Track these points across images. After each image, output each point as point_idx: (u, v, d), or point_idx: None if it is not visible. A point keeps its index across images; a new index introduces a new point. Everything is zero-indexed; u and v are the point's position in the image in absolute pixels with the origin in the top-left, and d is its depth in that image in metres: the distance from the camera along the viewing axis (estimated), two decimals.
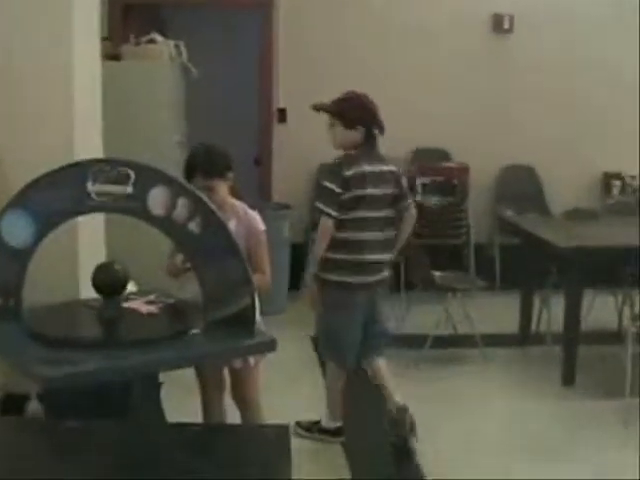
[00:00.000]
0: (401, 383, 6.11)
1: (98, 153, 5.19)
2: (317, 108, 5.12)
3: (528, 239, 6.85)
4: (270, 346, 3.75)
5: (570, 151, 9.05)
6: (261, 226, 4.42)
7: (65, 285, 4.51)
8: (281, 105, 8.85)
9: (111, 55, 6.11)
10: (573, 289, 6.23)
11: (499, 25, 8.91)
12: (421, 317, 7.03)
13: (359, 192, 4.93)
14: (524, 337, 7.14)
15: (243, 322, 3.66)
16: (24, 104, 4.65)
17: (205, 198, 3.68)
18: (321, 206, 4.91)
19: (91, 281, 3.79)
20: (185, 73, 6.79)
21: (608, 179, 9.18)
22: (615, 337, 6.94)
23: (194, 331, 3.69)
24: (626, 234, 6.60)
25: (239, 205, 4.44)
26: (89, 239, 4.81)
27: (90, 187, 3.65)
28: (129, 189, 3.63)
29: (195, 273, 3.69)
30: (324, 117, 8.71)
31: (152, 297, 4.16)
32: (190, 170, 4.31)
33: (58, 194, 3.68)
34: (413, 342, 6.84)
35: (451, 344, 6.96)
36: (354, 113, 5.01)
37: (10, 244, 3.75)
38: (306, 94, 8.73)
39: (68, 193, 3.67)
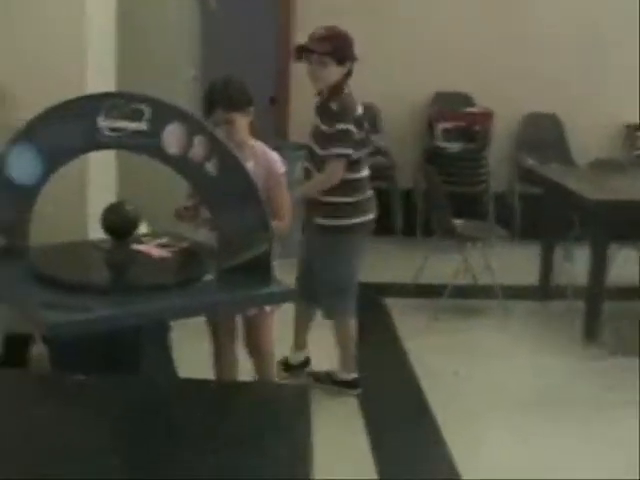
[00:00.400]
0: (420, 333, 6.00)
1: (110, 86, 4.97)
2: (307, 49, 4.84)
3: (552, 189, 6.64)
4: (287, 296, 3.58)
5: (594, 100, 8.73)
6: (281, 168, 4.21)
7: (73, 225, 4.29)
8: (300, 42, 8.54)
9: None
10: (599, 242, 6.00)
11: None
12: (439, 266, 6.78)
13: (364, 130, 4.84)
14: (544, 290, 6.92)
15: (259, 270, 3.47)
16: (31, 34, 4.40)
17: (223, 137, 3.47)
18: (341, 150, 4.69)
19: (100, 222, 3.59)
20: (202, 5, 6.52)
21: (632, 131, 8.91)
22: (638, 293, 6.73)
23: (208, 277, 3.50)
24: None
25: (258, 145, 4.23)
26: (99, 177, 4.58)
27: (102, 122, 3.45)
28: (143, 125, 3.43)
29: (211, 216, 3.49)
30: None
31: (164, 240, 3.97)
32: (210, 103, 4.09)
33: (67, 129, 3.48)
34: (432, 292, 6.64)
35: (470, 295, 6.73)
36: (346, 48, 4.85)
37: (16, 181, 3.57)
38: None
39: (78, 128, 3.47)
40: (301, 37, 8.46)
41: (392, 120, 8.66)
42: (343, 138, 4.70)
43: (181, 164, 3.44)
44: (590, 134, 8.80)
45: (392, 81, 8.58)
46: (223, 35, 8.31)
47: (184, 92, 5.93)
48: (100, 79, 4.67)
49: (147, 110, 3.42)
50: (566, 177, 6.63)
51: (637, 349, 5.70)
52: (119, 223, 3.56)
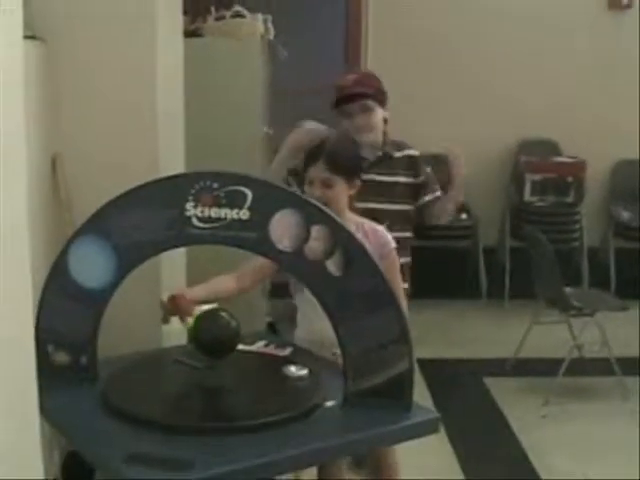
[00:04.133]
0: (533, 424, 5.21)
1: (179, 149, 4.24)
2: (363, 95, 3.97)
3: None
4: (432, 426, 2.78)
5: None
6: (392, 243, 3.43)
7: (144, 330, 3.48)
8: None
9: (189, 31, 5.11)
10: None
11: (617, 0, 7.80)
12: (539, 337, 6.01)
13: None
14: None
15: (397, 394, 2.71)
16: (96, 90, 3.66)
17: (348, 227, 2.71)
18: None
19: (192, 336, 2.83)
20: (271, 54, 5.78)
21: None
22: None
23: (329, 404, 2.73)
24: None
25: (364, 221, 3.46)
26: (171, 272, 3.79)
27: (191, 210, 2.71)
28: (245, 214, 2.68)
29: (333, 326, 2.72)
30: (417, 101, 7.83)
31: (261, 345, 3.23)
32: (312, 156, 3.35)
33: (147, 219, 2.75)
34: (536, 369, 5.92)
35: (581, 372, 5.87)
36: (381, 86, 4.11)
37: (81, 284, 2.83)
38: (399, 79, 7.74)
39: (161, 218, 2.74)
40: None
41: (471, 172, 7.87)
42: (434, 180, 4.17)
43: (294, 262, 2.69)
44: None
45: (467, 129, 7.84)
46: (286, 84, 7.57)
47: (259, 152, 5.19)
48: (170, 142, 3.94)
49: (249, 194, 2.67)
50: None
51: None
52: (216, 340, 2.79)
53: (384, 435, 2.72)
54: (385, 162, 4.01)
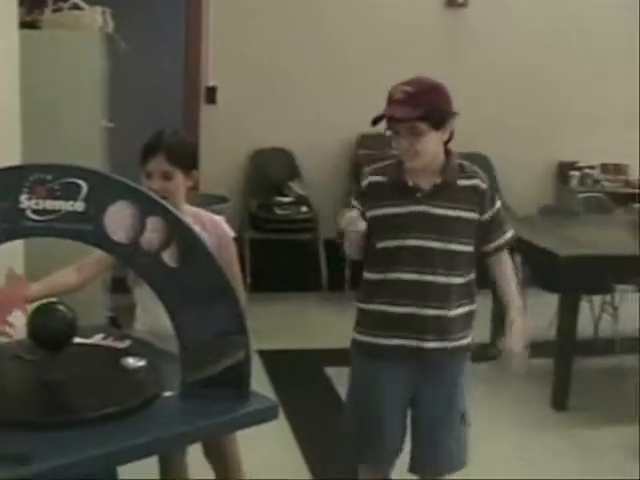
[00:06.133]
0: None
1: (16, 144, 4.18)
2: (397, 120, 3.34)
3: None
4: (270, 413, 2.83)
5: (525, 138, 8.29)
6: (231, 233, 3.53)
7: None
8: (210, 83, 7.84)
9: (25, 23, 5.05)
10: (569, 297, 5.47)
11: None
12: None
13: None
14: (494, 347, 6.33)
15: (235, 382, 2.75)
16: None
17: (184, 218, 2.74)
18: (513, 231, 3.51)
19: (28, 329, 2.82)
20: (111, 47, 5.75)
21: (564, 169, 8.46)
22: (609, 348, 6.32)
23: (167, 394, 2.76)
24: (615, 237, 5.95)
25: (201, 211, 3.53)
26: (7, 266, 3.73)
27: (25, 202, 2.68)
28: (79, 205, 2.67)
29: (171, 318, 2.74)
30: (260, 97, 7.89)
31: (99, 337, 3.22)
32: (150, 148, 3.37)
33: None
34: None
35: None
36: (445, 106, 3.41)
37: None
38: (240, 71, 7.83)
39: None
40: (212, 79, 7.85)
41: (311, 166, 8.02)
42: (505, 217, 3.50)
43: (130, 254, 2.69)
44: (520, 173, 8.32)
45: (308, 125, 7.96)
46: (125, 75, 7.53)
47: (97, 146, 5.16)
48: (6, 138, 3.88)
49: (84, 186, 2.66)
50: (527, 231, 6.00)
51: (617, 416, 5.12)
52: (53, 333, 2.78)
53: (223, 423, 2.76)
54: (443, 192, 3.35)
